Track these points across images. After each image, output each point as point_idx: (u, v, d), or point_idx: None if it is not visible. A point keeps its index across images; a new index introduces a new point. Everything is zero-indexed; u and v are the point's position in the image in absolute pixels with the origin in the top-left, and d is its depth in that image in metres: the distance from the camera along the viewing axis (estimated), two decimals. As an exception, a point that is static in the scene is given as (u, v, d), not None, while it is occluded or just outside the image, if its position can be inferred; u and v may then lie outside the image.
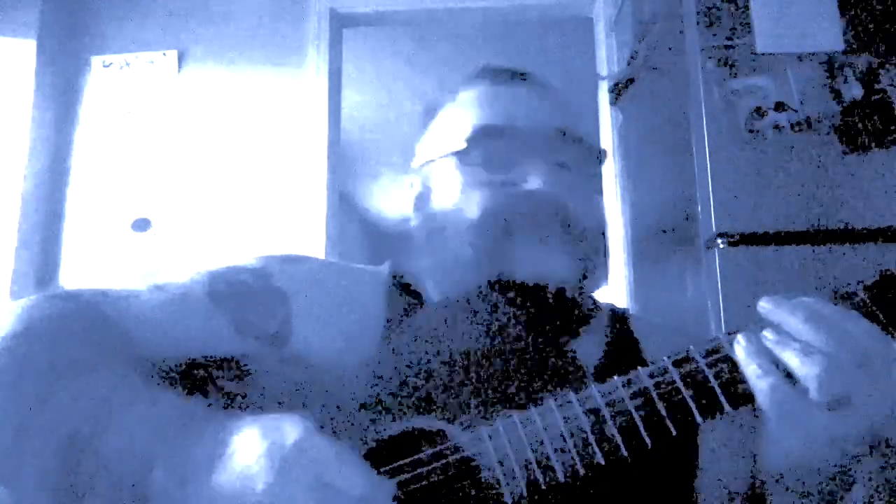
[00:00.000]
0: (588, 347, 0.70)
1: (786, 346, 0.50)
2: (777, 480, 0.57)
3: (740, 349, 0.51)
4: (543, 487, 0.51)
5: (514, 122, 0.71)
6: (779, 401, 0.49)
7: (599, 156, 0.75)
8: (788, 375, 0.50)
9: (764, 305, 0.53)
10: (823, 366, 0.48)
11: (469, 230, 0.69)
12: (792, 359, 0.49)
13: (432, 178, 0.75)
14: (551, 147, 0.71)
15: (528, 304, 0.65)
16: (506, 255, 0.67)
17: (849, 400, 0.48)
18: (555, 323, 0.65)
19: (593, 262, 0.71)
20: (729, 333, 0.53)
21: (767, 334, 0.51)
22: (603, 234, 0.74)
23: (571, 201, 0.69)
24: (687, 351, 0.53)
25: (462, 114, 0.75)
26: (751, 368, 0.50)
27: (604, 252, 0.73)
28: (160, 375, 0.59)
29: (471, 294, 0.66)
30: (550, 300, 0.66)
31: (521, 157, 0.70)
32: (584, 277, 0.69)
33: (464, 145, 0.71)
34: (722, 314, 1.31)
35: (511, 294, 0.65)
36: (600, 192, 0.77)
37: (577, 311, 0.70)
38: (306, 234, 2.38)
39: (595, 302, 0.77)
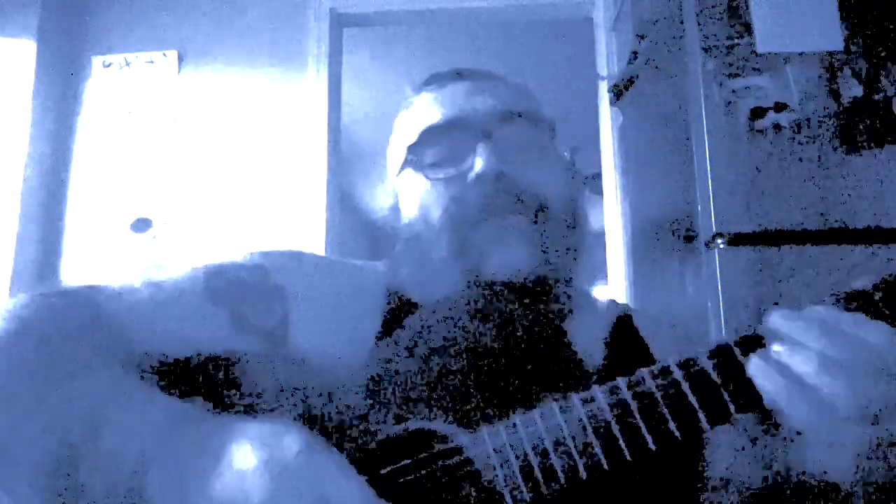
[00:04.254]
0: (590, 346, 0.69)
1: (805, 364, 0.49)
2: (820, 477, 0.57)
3: (757, 370, 0.50)
4: (544, 490, 0.51)
5: (455, 115, 0.71)
6: (810, 420, 0.49)
7: (552, 128, 0.74)
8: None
9: (775, 321, 0.51)
10: (846, 382, 0.47)
11: (438, 232, 0.68)
12: (813, 377, 0.48)
13: (400, 189, 0.75)
14: (498, 130, 0.69)
15: (503, 302, 0.64)
16: (474, 252, 0.65)
17: (875, 412, 0.47)
18: (536, 318, 0.64)
19: (563, 243, 0.68)
20: (736, 344, 0.52)
21: (778, 349, 0.50)
22: (574, 211, 0.71)
23: (525, 177, 0.67)
24: (693, 354, 0.52)
25: (411, 121, 0.75)
26: (774, 387, 0.49)
27: (577, 231, 0.70)
28: (155, 373, 0.58)
29: (455, 296, 0.65)
30: (523, 295, 0.64)
31: (469, 147, 0.68)
32: (551, 262, 0.66)
33: (414, 152, 0.71)
34: (722, 314, 1.30)
35: (487, 294, 0.64)
36: (565, 167, 0.74)
37: (554, 302, 0.67)
38: (306, 234, 2.38)
39: (587, 294, 0.76)
